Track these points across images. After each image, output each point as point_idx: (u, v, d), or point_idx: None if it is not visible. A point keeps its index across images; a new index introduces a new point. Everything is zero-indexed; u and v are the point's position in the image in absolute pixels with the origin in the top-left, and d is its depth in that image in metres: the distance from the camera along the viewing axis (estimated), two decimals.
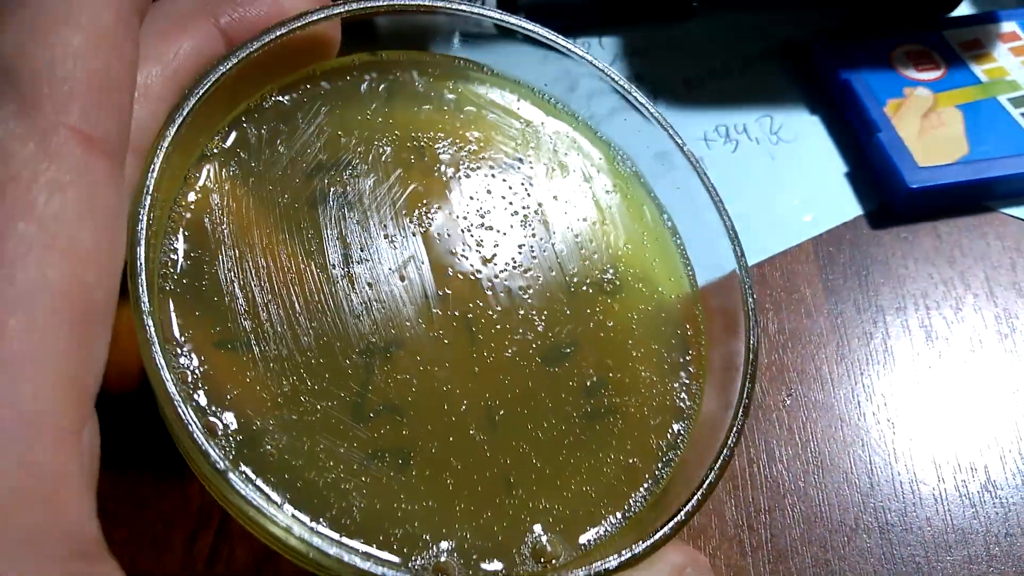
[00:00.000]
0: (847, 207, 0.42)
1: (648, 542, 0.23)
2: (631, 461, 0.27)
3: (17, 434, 0.15)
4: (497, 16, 0.33)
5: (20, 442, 0.15)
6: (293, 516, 0.23)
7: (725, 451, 0.25)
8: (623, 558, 0.23)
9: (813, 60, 0.47)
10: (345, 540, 0.23)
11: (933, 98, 0.44)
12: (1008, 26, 0.48)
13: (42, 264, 0.16)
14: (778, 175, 0.44)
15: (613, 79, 0.33)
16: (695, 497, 0.24)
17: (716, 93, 0.47)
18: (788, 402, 0.36)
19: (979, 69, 0.46)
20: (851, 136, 0.45)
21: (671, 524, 0.24)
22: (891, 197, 0.42)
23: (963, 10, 0.49)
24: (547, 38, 0.33)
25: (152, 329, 0.22)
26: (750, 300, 0.28)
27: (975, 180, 0.41)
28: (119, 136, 0.18)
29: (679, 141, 0.32)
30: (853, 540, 0.33)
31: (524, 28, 0.33)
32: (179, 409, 0.21)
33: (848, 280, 0.40)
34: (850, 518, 0.33)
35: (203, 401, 0.24)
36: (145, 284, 0.22)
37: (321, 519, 0.24)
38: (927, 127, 0.43)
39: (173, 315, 0.25)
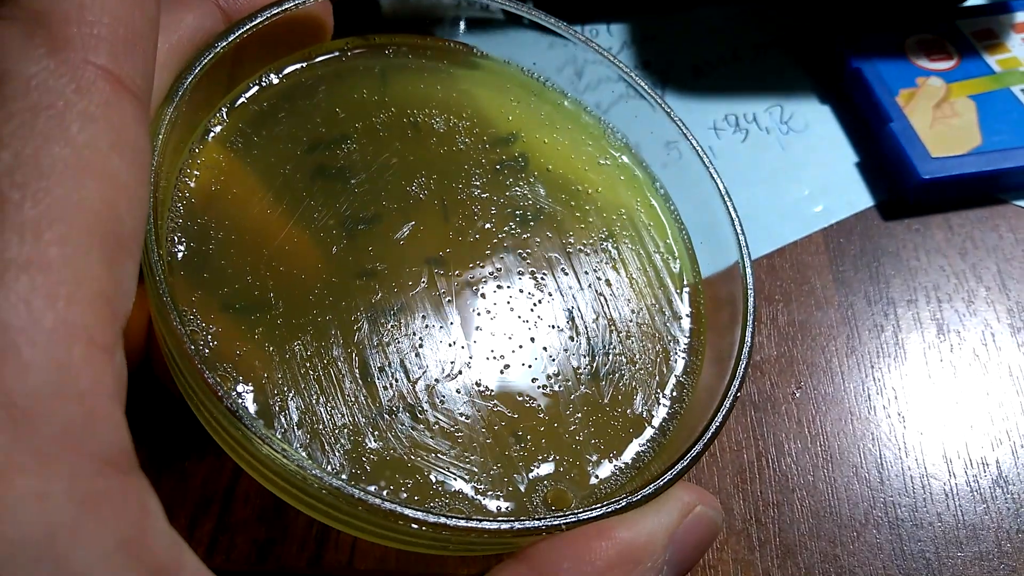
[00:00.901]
0: (858, 198, 0.42)
1: (655, 484, 0.24)
2: (637, 414, 0.28)
3: (54, 336, 0.15)
4: (498, 3, 0.34)
5: (57, 344, 0.15)
6: (308, 461, 0.23)
7: (729, 396, 0.26)
8: (632, 499, 0.23)
9: (824, 49, 0.47)
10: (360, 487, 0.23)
11: (946, 88, 0.44)
12: (1022, 16, 0.47)
13: (77, 185, 0.17)
14: (788, 165, 0.43)
15: (619, 66, 0.34)
16: (700, 442, 0.25)
17: (726, 82, 0.46)
18: (797, 395, 0.36)
19: (992, 59, 0.45)
20: (862, 126, 0.44)
21: (678, 466, 0.24)
22: (903, 188, 0.41)
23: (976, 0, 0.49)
24: (551, 24, 0.34)
25: (165, 289, 0.23)
26: (745, 254, 0.29)
27: (988, 171, 0.41)
28: (144, 80, 0.19)
29: (683, 129, 0.32)
30: (863, 535, 0.32)
31: (526, 15, 0.34)
32: (195, 362, 0.22)
33: (859, 272, 0.39)
34: (860, 513, 0.33)
35: (214, 358, 0.25)
36: (156, 249, 0.23)
37: (333, 467, 0.24)
38: (939, 117, 0.42)
39: (182, 276, 0.26)
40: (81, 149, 0.17)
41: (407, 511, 0.21)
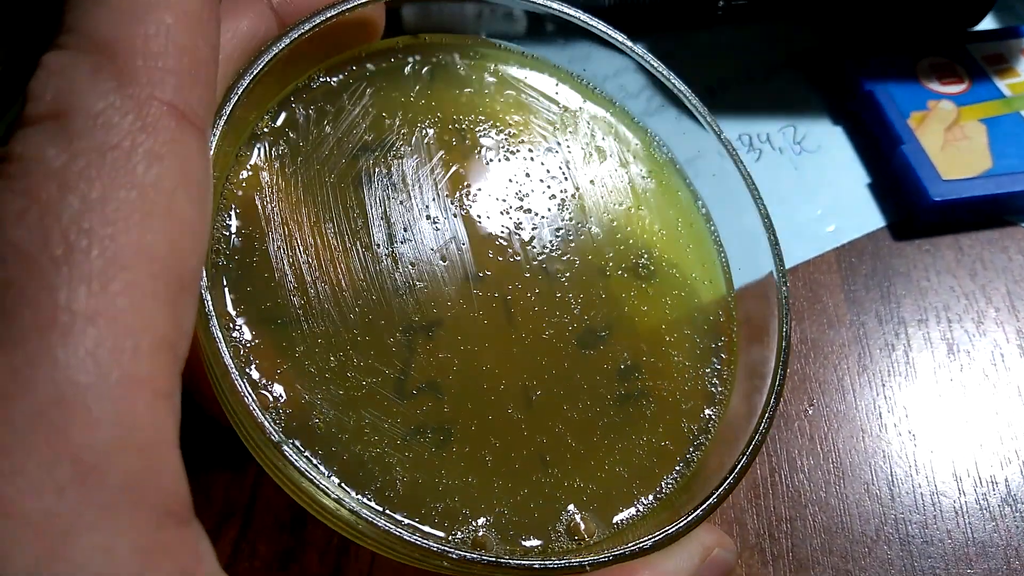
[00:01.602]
0: (870, 218, 0.42)
1: (682, 523, 0.24)
2: (663, 444, 0.28)
3: (120, 390, 0.16)
4: (531, 4, 0.33)
5: (122, 398, 0.16)
6: (341, 487, 0.23)
7: (757, 436, 0.26)
8: (657, 538, 0.24)
9: (837, 71, 0.47)
10: (389, 512, 0.24)
11: (957, 111, 0.44)
12: None
13: (143, 229, 0.17)
14: (801, 185, 0.44)
15: (662, 73, 0.33)
16: (727, 480, 0.25)
17: (740, 102, 0.47)
18: (810, 412, 0.36)
19: (1003, 83, 0.46)
20: (874, 147, 0.45)
21: (704, 506, 0.25)
22: (914, 209, 0.42)
23: (987, 24, 0.50)
24: (607, 33, 0.33)
25: (210, 303, 0.23)
26: (783, 289, 0.29)
27: (998, 194, 0.41)
28: (207, 110, 0.19)
29: (723, 138, 0.32)
30: (874, 551, 0.33)
31: (581, 20, 0.34)
32: (235, 381, 0.22)
33: (870, 291, 0.40)
34: (871, 529, 0.33)
35: (255, 375, 0.25)
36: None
37: (366, 491, 0.24)
38: (950, 140, 0.43)
39: (226, 290, 0.26)
40: (147, 190, 0.17)
41: (434, 546, 0.22)
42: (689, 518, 0.24)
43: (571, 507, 0.26)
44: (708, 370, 0.30)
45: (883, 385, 0.37)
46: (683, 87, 0.33)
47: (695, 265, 0.32)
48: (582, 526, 0.26)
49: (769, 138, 0.45)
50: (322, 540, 0.32)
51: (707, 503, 0.25)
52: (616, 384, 0.29)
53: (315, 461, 0.24)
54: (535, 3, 0.33)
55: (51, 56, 0.17)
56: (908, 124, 0.43)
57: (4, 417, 0.15)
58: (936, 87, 0.45)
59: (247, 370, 0.25)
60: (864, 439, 0.36)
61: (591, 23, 0.33)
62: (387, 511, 0.24)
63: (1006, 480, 0.35)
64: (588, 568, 0.23)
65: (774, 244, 0.30)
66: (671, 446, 0.28)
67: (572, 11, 0.33)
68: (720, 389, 0.29)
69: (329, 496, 0.22)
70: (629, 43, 0.34)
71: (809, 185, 0.44)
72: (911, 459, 0.35)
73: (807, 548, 0.33)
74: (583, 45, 0.34)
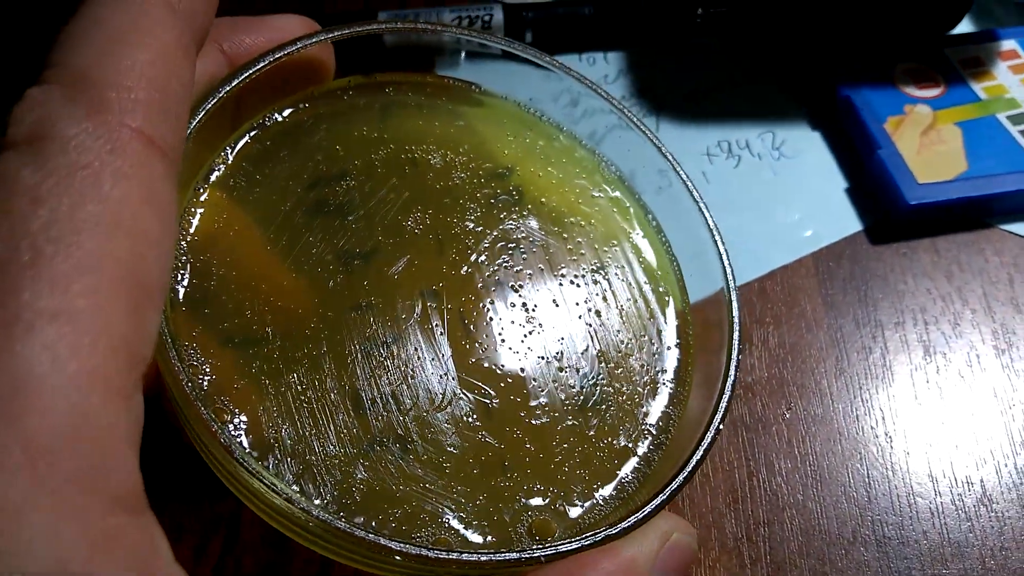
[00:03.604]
0: (847, 222, 0.43)
1: (635, 516, 0.25)
2: (624, 445, 0.29)
3: (74, 382, 0.17)
4: (474, 37, 0.35)
5: (76, 391, 0.17)
6: (299, 494, 0.24)
7: (712, 429, 0.27)
8: (612, 531, 0.24)
9: (815, 77, 0.48)
10: (345, 516, 0.25)
11: (933, 115, 0.45)
12: (1008, 44, 0.48)
13: (108, 238, 0.18)
14: (780, 190, 0.44)
15: (610, 99, 0.35)
16: (682, 474, 0.26)
17: (719, 109, 0.48)
18: (788, 416, 0.37)
19: (979, 87, 0.46)
20: (852, 152, 0.45)
21: (658, 499, 0.25)
22: (890, 213, 0.43)
23: (964, 28, 0.50)
24: (544, 61, 0.34)
25: (166, 327, 0.24)
26: (731, 282, 0.30)
27: (973, 197, 0.42)
28: (175, 141, 0.20)
29: (671, 159, 0.33)
30: (850, 553, 0.33)
31: (512, 49, 0.35)
32: (193, 402, 0.23)
33: (848, 295, 0.40)
34: (848, 531, 0.34)
35: (213, 393, 0.26)
36: None
37: (324, 498, 0.25)
38: (926, 144, 0.43)
39: (183, 311, 0.27)
40: (113, 205, 0.18)
41: (389, 543, 0.22)
42: (644, 510, 0.25)
43: (531, 510, 0.27)
44: (667, 371, 0.31)
45: (860, 388, 0.38)
46: (629, 112, 0.35)
47: (649, 274, 0.33)
48: (543, 527, 0.26)
49: (748, 144, 0.46)
50: (306, 551, 0.32)
51: (661, 495, 0.25)
52: (575, 391, 0.29)
53: (272, 471, 0.25)
54: (459, 35, 0.35)
55: (35, 89, 0.19)
56: (885, 129, 0.44)
57: None
58: (913, 91, 0.46)
59: (203, 386, 0.26)
60: (841, 442, 0.36)
61: (525, 53, 0.35)
62: (343, 515, 0.25)
63: (981, 481, 0.35)
64: (543, 560, 0.23)
65: (717, 244, 0.31)
66: (631, 446, 0.29)
67: (506, 44, 0.35)
68: (679, 389, 0.30)
69: (279, 496, 0.23)
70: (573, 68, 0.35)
71: (787, 190, 0.44)
72: (888, 461, 0.36)
73: (785, 551, 0.33)
74: (523, 72, 0.35)
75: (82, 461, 0.16)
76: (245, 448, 0.25)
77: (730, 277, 0.30)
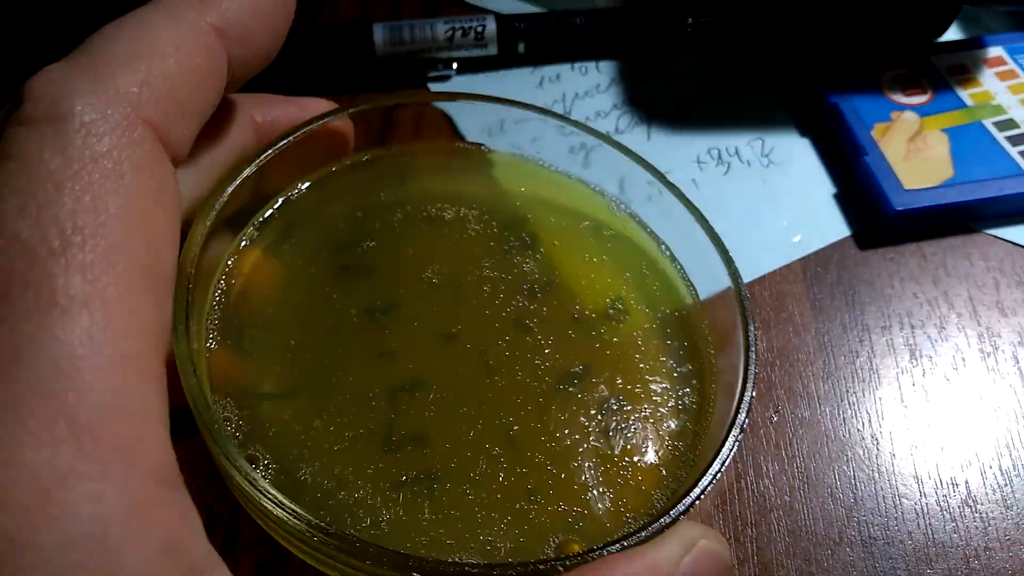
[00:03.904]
0: (835, 228, 0.44)
1: (657, 524, 0.25)
2: (649, 464, 0.29)
3: (113, 364, 0.18)
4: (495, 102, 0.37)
5: (113, 370, 0.18)
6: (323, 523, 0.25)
7: (730, 440, 0.27)
8: (630, 539, 0.25)
9: (803, 84, 0.49)
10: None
11: (919, 122, 0.45)
12: (994, 51, 0.49)
13: (128, 231, 0.19)
14: (769, 196, 0.45)
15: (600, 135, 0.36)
16: (702, 481, 0.26)
17: (709, 116, 0.48)
18: (775, 419, 0.37)
19: (965, 93, 0.47)
20: (840, 159, 0.46)
21: (679, 506, 0.25)
22: (877, 219, 0.43)
23: (951, 35, 0.51)
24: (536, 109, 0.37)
25: (200, 380, 0.25)
26: (745, 302, 0.31)
27: (959, 202, 0.42)
28: (183, 144, 0.22)
29: (647, 164, 0.35)
30: (836, 553, 0.34)
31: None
32: (223, 448, 0.24)
33: (835, 299, 0.41)
34: (834, 532, 0.34)
35: (245, 439, 0.28)
36: (192, 341, 0.26)
37: (352, 529, 0.26)
38: (913, 150, 0.44)
39: (220, 372, 0.29)
40: (131, 198, 0.19)
41: (402, 552, 0.23)
42: (665, 518, 0.25)
43: (557, 531, 0.27)
44: (688, 390, 0.31)
45: (847, 391, 0.38)
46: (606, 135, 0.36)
47: (663, 300, 0.34)
48: (566, 546, 0.27)
49: (738, 151, 0.47)
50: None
51: (681, 503, 0.25)
52: (595, 414, 0.30)
53: (300, 509, 0.26)
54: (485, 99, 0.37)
55: (56, 66, 0.20)
56: (872, 135, 0.45)
57: (7, 386, 0.17)
58: (900, 98, 0.47)
59: (237, 436, 0.28)
60: (828, 444, 0.37)
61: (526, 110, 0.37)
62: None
63: (966, 482, 0.36)
64: (562, 569, 0.24)
65: (725, 255, 0.32)
66: (658, 465, 0.29)
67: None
68: (701, 405, 0.31)
69: (306, 524, 0.24)
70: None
71: (776, 197, 0.45)
72: (874, 463, 0.36)
73: (772, 551, 0.34)
74: (530, 128, 0.38)
75: (121, 435, 0.18)
76: (278, 490, 0.26)
77: (745, 296, 0.31)
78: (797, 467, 0.36)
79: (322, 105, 0.32)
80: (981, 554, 0.34)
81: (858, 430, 0.37)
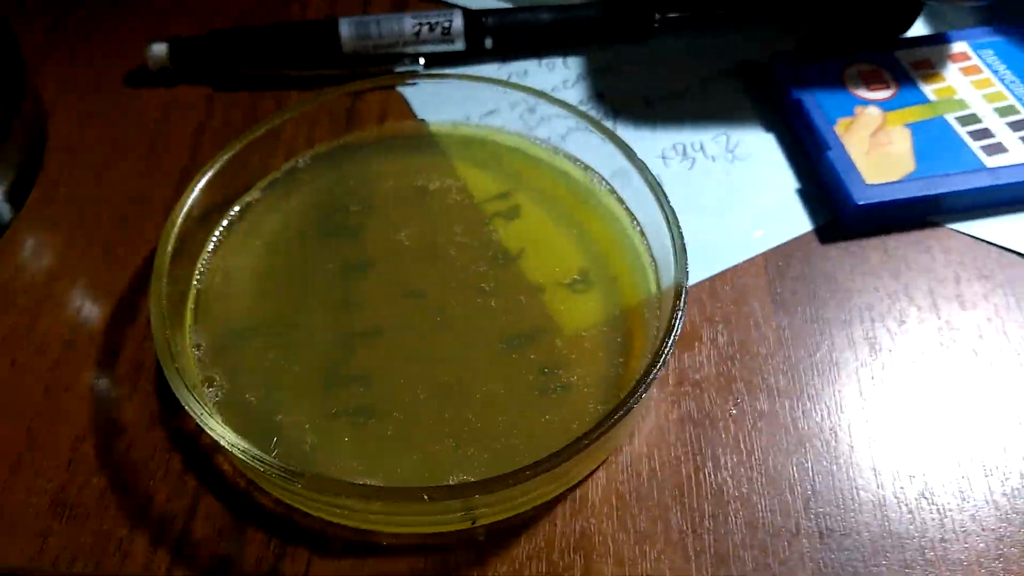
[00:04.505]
0: (798, 223, 0.44)
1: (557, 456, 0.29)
2: (571, 425, 0.32)
3: None
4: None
5: None
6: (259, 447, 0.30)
7: (634, 396, 0.31)
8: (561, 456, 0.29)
9: (768, 80, 0.49)
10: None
11: (882, 117, 0.46)
12: (958, 47, 0.49)
13: None
14: (732, 192, 0.45)
15: (575, 108, 0.40)
16: (599, 426, 0.30)
17: (675, 112, 0.48)
18: (735, 412, 0.37)
19: (928, 88, 0.47)
20: (803, 154, 0.46)
21: (572, 446, 0.29)
22: (839, 213, 0.43)
23: (915, 31, 0.51)
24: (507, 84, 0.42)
25: (160, 308, 0.32)
26: (684, 292, 0.34)
27: (920, 197, 0.43)
28: None
29: (636, 157, 0.38)
30: (793, 545, 0.34)
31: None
32: (169, 377, 0.31)
33: (797, 294, 0.41)
34: (791, 523, 0.34)
35: (208, 363, 0.34)
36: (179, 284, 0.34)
37: (272, 450, 0.31)
38: (875, 145, 0.44)
39: (194, 309, 0.36)
40: None
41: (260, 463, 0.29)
42: (560, 456, 0.29)
43: (459, 472, 0.30)
44: (621, 360, 0.34)
45: (806, 384, 0.38)
46: (588, 113, 0.42)
47: (626, 268, 0.37)
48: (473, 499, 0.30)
49: (703, 146, 0.47)
50: (258, 548, 0.33)
51: (575, 444, 0.29)
52: (529, 377, 0.33)
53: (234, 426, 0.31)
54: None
55: None
56: (835, 130, 0.45)
57: None
58: (863, 93, 0.47)
59: (201, 358, 0.33)
60: (787, 437, 0.37)
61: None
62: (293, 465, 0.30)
63: (924, 474, 0.36)
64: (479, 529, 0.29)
65: (677, 237, 0.35)
66: (575, 426, 0.32)
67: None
68: (623, 372, 0.34)
69: (214, 432, 0.30)
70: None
71: (740, 192, 0.45)
72: (832, 455, 0.36)
73: (729, 543, 0.34)
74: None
75: None
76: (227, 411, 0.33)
77: (681, 243, 0.35)
78: (756, 460, 0.36)
79: None
80: (937, 545, 0.34)
81: (817, 423, 0.37)
